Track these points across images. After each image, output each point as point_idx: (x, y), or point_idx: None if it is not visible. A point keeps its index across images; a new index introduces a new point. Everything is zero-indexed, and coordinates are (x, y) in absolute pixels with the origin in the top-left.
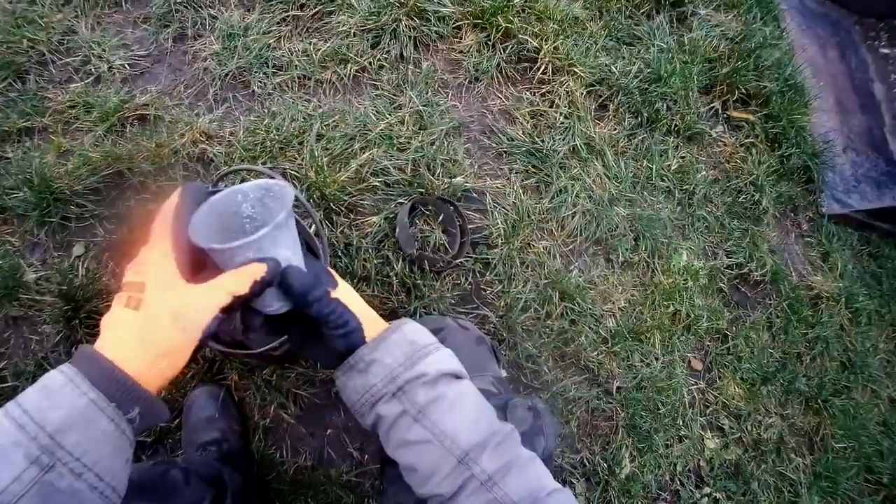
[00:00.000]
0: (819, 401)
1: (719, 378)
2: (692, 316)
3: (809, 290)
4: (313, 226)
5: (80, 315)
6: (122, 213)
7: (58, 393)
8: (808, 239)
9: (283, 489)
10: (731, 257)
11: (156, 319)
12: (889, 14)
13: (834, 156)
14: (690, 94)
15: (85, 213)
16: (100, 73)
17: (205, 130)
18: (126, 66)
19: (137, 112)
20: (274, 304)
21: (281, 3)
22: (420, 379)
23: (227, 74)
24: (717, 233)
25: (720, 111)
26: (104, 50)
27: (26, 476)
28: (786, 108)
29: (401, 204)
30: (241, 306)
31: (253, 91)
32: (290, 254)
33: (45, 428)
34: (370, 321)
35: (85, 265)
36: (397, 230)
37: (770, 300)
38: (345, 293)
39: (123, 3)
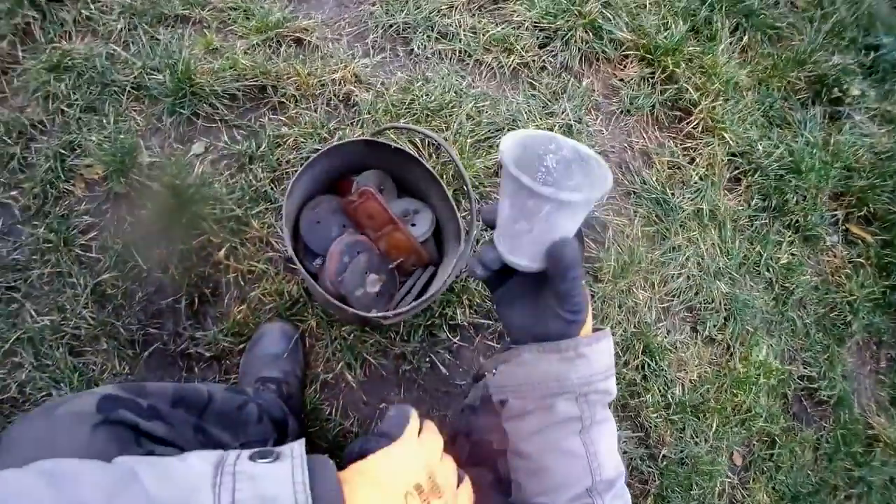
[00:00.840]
0: None
1: (753, 480)
2: (752, 412)
3: (868, 429)
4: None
5: (182, 212)
6: (253, 127)
7: None
8: (882, 377)
9: (321, 445)
10: (805, 368)
11: None
12: None
13: None
14: (820, 195)
15: (216, 115)
16: None
17: (357, 73)
18: None
19: (296, 34)
20: (532, 263)
21: None
22: (605, 395)
23: (391, 25)
24: (800, 339)
25: (841, 222)
26: None
27: None
28: None
29: None
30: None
31: (412, 50)
32: (573, 230)
33: None
34: (590, 320)
35: (202, 166)
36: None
37: (826, 423)
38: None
39: None
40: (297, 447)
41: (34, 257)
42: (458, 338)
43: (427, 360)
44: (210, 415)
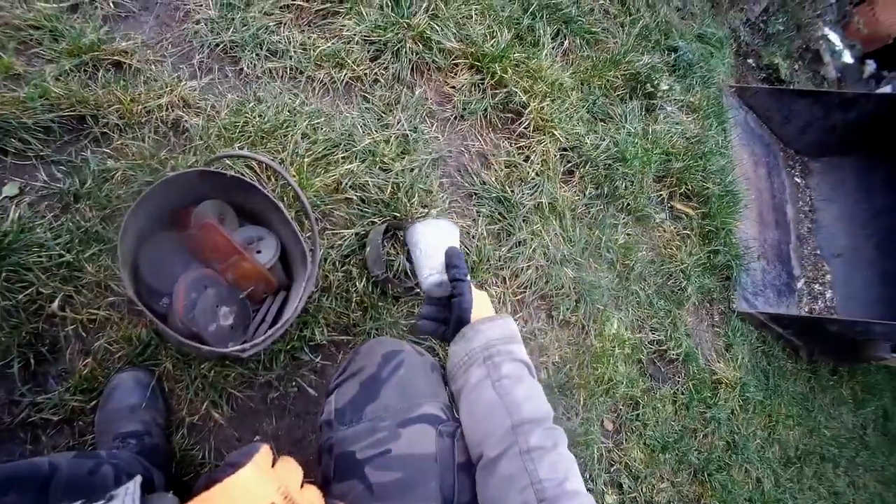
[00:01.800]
0: (705, 473)
1: (626, 441)
2: (613, 381)
3: (712, 375)
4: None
5: (3, 266)
6: (75, 161)
7: None
8: (718, 329)
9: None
10: (653, 333)
11: None
12: (802, 151)
13: (750, 261)
14: (645, 179)
15: (29, 151)
16: (80, 1)
17: (184, 97)
18: (111, 3)
19: (114, 57)
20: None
21: None
22: (509, 356)
23: (217, 45)
24: (645, 309)
25: (666, 200)
26: None
27: None
28: (721, 211)
29: (374, 223)
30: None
31: (242, 69)
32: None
33: None
34: (485, 308)
35: (18, 209)
36: (368, 249)
37: (679, 378)
38: (479, 294)
39: None
40: (132, 485)
41: None
42: (320, 357)
43: (293, 384)
44: (56, 489)
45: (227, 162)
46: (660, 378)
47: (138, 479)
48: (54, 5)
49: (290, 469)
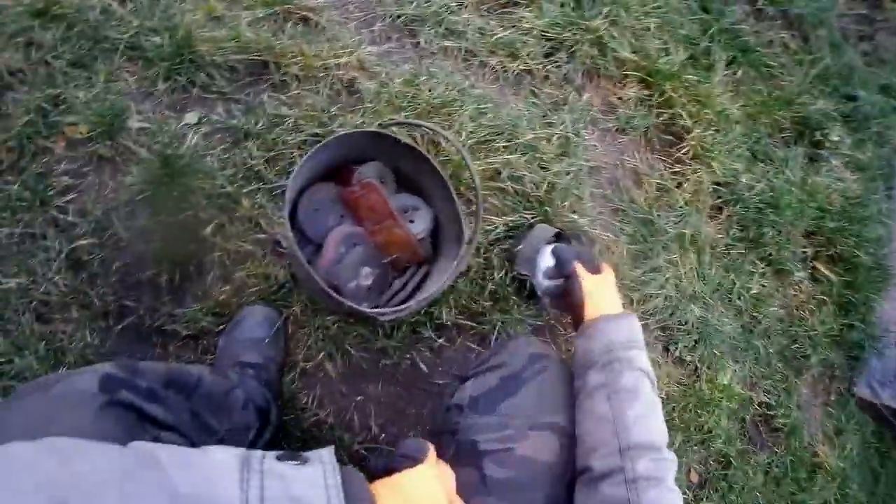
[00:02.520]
0: None
1: (707, 498)
2: (712, 433)
3: (813, 456)
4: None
5: (171, 184)
6: (251, 103)
7: None
8: (831, 410)
9: (294, 433)
10: (765, 395)
11: None
12: None
13: (885, 346)
14: (794, 231)
15: (213, 86)
16: None
17: (362, 60)
18: None
19: (303, 12)
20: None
21: None
22: (630, 363)
23: (399, 16)
24: (762, 367)
25: (810, 259)
26: None
27: None
28: (867, 284)
29: (523, 217)
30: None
31: (419, 43)
32: None
33: None
34: (610, 300)
35: (194, 137)
36: (523, 245)
37: (778, 448)
38: (600, 281)
39: None
40: (327, 454)
41: (4, 214)
42: (441, 338)
43: (408, 356)
44: (199, 398)
45: (395, 129)
46: (759, 443)
47: (331, 448)
48: None
49: (450, 472)
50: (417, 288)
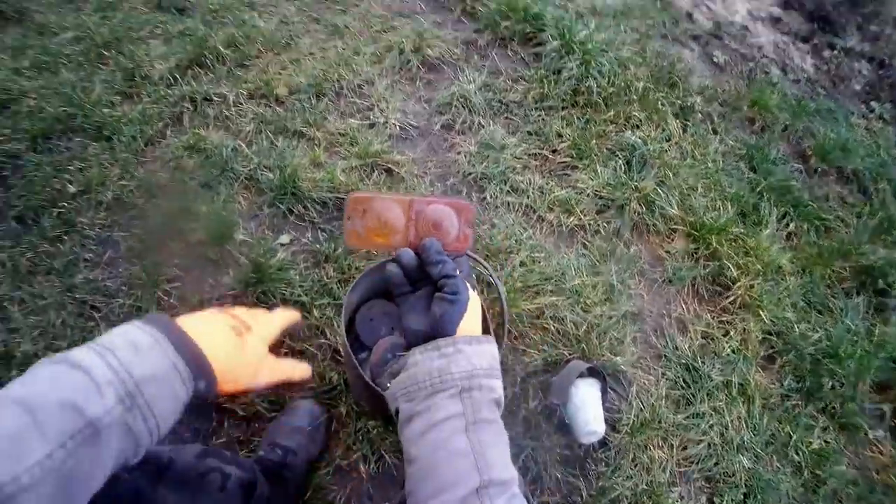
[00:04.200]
0: None
1: None
2: None
3: None
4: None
5: (258, 286)
6: (335, 232)
7: (147, 351)
8: None
9: None
10: None
11: (244, 352)
12: None
13: None
14: (861, 384)
15: (307, 216)
16: (376, 121)
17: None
18: (398, 126)
19: (388, 164)
20: None
21: (538, 139)
22: (490, 394)
23: (470, 174)
24: None
25: (889, 417)
26: (388, 107)
27: (115, 412)
28: None
29: (563, 354)
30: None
31: (485, 197)
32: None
33: (132, 376)
34: (472, 322)
35: (284, 254)
36: (558, 378)
37: None
38: (472, 298)
39: (417, 81)
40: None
41: (122, 288)
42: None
43: None
44: (172, 478)
45: None
46: None
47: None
48: (360, 122)
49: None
50: None
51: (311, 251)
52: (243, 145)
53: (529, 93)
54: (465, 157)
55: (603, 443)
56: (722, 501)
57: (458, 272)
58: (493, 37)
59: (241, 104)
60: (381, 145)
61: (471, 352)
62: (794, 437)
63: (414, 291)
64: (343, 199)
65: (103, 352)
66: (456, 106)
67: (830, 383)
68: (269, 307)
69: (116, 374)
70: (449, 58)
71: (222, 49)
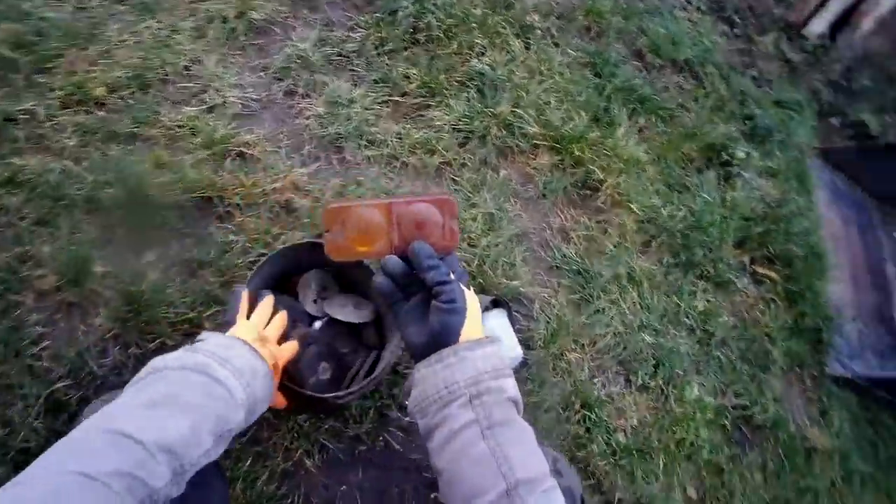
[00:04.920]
0: None
1: None
2: (695, 445)
3: (804, 442)
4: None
5: (138, 319)
6: (202, 235)
7: (261, 378)
8: (810, 394)
9: None
10: (738, 398)
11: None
12: None
13: (843, 323)
14: (725, 245)
15: (166, 225)
16: (214, 103)
17: (295, 181)
18: (239, 104)
19: (239, 148)
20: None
21: (386, 86)
22: (500, 394)
23: (324, 136)
24: (728, 374)
25: (748, 265)
26: (223, 85)
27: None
28: (806, 273)
29: None
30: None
31: (345, 157)
32: None
33: (255, 398)
34: (472, 324)
35: (154, 273)
36: None
37: (768, 444)
38: (469, 298)
39: (248, 49)
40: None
41: None
42: (408, 416)
43: (381, 438)
44: None
45: None
46: (746, 444)
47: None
48: (196, 108)
49: (261, 311)
50: (371, 371)
51: (183, 261)
52: (71, 164)
53: (368, 39)
54: (316, 120)
55: (524, 363)
56: (637, 378)
57: (451, 275)
58: None
59: (56, 117)
60: (225, 129)
61: (474, 357)
62: (683, 305)
63: (407, 299)
64: (202, 196)
65: (239, 377)
66: (294, 68)
67: (701, 252)
68: (154, 337)
69: (245, 398)
70: (277, 17)
71: (9, 53)
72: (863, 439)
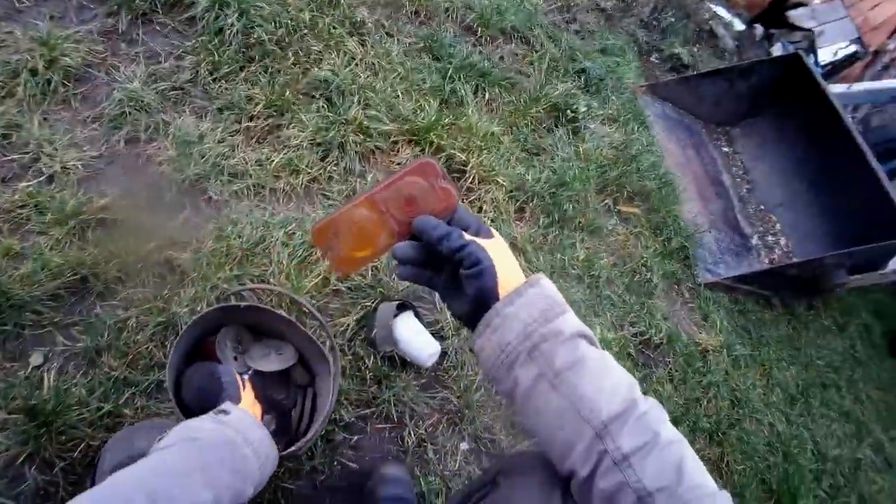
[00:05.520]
0: (719, 434)
1: None
2: None
3: (698, 346)
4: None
5: (51, 430)
6: (89, 321)
7: (271, 465)
8: (691, 305)
9: None
10: (634, 326)
11: None
12: (724, 122)
13: (702, 235)
14: (589, 195)
15: (43, 321)
16: (52, 172)
17: (169, 236)
18: (80, 166)
19: (97, 216)
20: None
21: (232, 113)
22: (558, 337)
23: (184, 180)
24: (620, 308)
25: (612, 207)
26: (55, 149)
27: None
28: (663, 201)
29: (367, 306)
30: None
31: (210, 197)
32: None
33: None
34: (508, 273)
35: (49, 376)
36: (376, 329)
37: (669, 358)
38: (495, 247)
39: (72, 102)
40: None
41: None
42: (354, 434)
43: (335, 463)
44: None
45: (225, 286)
46: (652, 364)
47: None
48: (32, 182)
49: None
50: (313, 408)
51: (77, 354)
52: None
53: (200, 66)
54: (169, 164)
55: (443, 354)
56: None
57: (465, 236)
58: (132, 15)
59: None
60: (75, 199)
61: (517, 311)
62: (567, 259)
63: (439, 272)
64: (74, 278)
65: (257, 458)
66: (129, 112)
67: (570, 206)
68: (77, 443)
69: (258, 478)
70: (94, 59)
71: None
72: (739, 329)
